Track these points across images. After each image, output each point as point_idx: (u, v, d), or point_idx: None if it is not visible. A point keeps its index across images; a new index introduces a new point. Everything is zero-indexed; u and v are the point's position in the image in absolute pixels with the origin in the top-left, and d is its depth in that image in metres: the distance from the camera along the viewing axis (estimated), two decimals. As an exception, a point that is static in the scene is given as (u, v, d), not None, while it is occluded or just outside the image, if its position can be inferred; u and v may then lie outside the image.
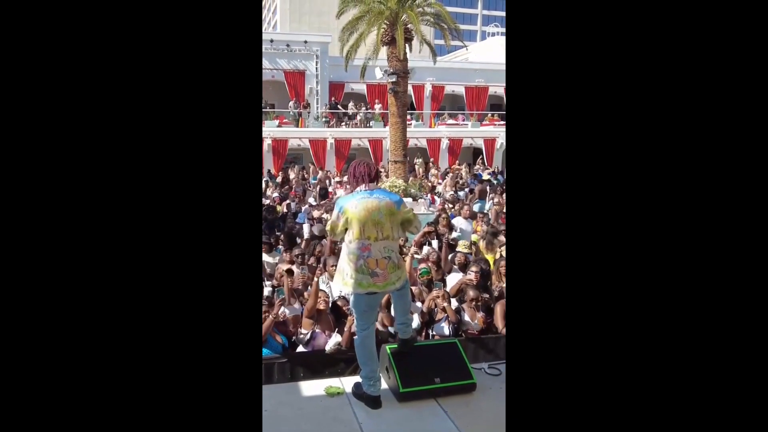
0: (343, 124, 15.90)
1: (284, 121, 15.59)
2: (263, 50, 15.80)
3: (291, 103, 15.61)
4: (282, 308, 3.41)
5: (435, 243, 5.14)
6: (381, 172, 12.26)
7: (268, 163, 14.40)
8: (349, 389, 2.58)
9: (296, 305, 3.79)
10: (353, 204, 2.39)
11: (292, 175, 13.10)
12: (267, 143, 14.43)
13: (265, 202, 9.03)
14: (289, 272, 3.74)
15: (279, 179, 11.81)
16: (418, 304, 3.61)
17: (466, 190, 10.21)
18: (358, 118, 15.97)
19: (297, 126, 15.38)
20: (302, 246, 5.03)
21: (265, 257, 5.19)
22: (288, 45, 16.15)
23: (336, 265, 3.93)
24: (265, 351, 3.41)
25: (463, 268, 4.33)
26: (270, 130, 14.67)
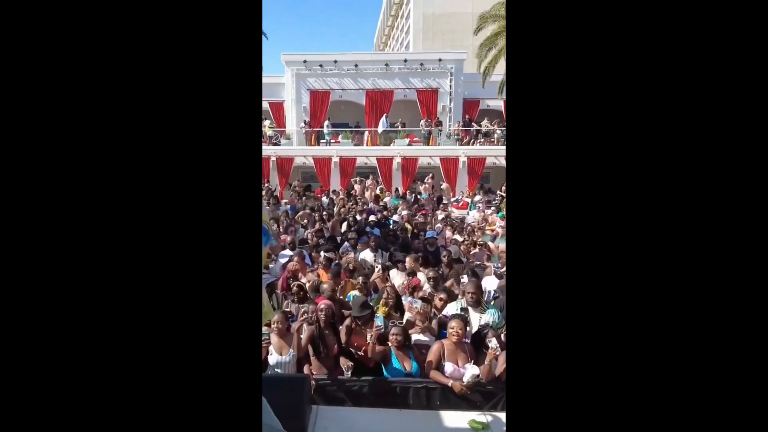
0: (477, 142, 15.75)
1: (414, 139, 15.98)
2: (397, 70, 16.52)
3: (422, 122, 15.96)
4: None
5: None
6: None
7: (397, 181, 14.84)
8: (494, 425, 2.45)
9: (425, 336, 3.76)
10: None
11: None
12: (396, 162, 14.91)
13: (395, 218, 9.26)
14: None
15: (405, 194, 12.03)
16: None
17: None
18: (496, 135, 15.66)
19: (427, 144, 15.65)
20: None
21: (395, 274, 5.27)
22: (422, 64, 16.63)
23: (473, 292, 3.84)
24: (386, 373, 3.45)
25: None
26: (400, 148, 15.14)
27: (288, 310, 4.12)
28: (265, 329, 3.74)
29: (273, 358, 3.51)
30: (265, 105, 17.50)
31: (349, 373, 3.43)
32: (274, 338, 3.56)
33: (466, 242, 7.19)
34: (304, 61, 16.74)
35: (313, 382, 3.12)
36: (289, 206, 11.17)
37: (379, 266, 5.34)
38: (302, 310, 3.88)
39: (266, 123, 17.18)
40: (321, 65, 16.71)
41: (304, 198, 11.74)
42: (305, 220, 8.74)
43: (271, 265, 5.74)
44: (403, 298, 4.37)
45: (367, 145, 16.31)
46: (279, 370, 3.48)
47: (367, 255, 6.07)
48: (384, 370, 3.51)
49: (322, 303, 3.74)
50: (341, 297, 4.44)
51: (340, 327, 3.73)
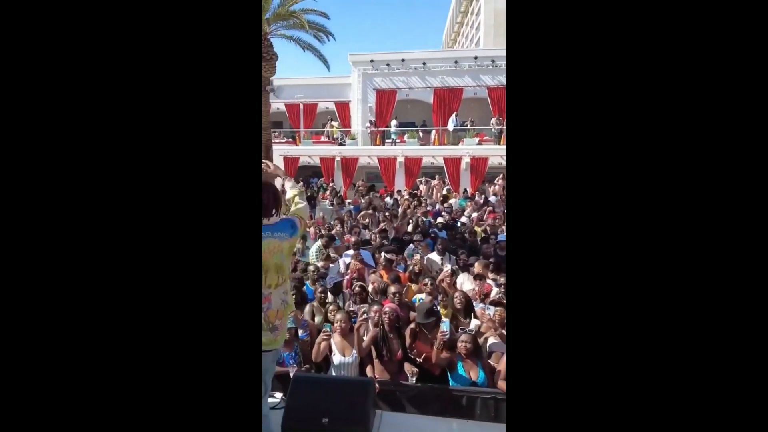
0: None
1: (485, 138, 15.65)
2: (467, 68, 16.26)
3: (493, 120, 15.60)
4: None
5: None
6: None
7: (465, 181, 14.59)
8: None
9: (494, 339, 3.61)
10: None
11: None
12: (465, 161, 14.66)
13: (463, 220, 9.09)
14: None
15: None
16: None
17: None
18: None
19: (498, 143, 15.27)
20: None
21: (464, 279, 5.13)
22: (493, 60, 16.27)
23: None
24: (451, 381, 3.36)
25: None
26: (469, 147, 14.88)
27: (352, 309, 4.13)
28: (326, 324, 3.78)
29: (336, 358, 3.51)
30: (331, 105, 17.88)
31: (414, 379, 3.36)
32: (336, 338, 3.56)
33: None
34: (371, 61, 16.93)
35: (376, 386, 3.07)
36: (352, 206, 11.30)
37: (448, 267, 5.22)
38: (362, 310, 3.87)
39: (334, 124, 17.55)
40: (388, 64, 16.82)
41: (366, 197, 11.82)
42: (367, 220, 8.78)
43: (331, 265, 5.80)
44: (474, 304, 4.24)
45: (434, 144, 16.20)
46: (342, 372, 3.47)
47: (434, 257, 5.97)
48: (449, 378, 3.41)
49: (387, 306, 3.70)
50: (407, 300, 4.38)
51: (405, 331, 3.67)
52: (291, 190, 2.45)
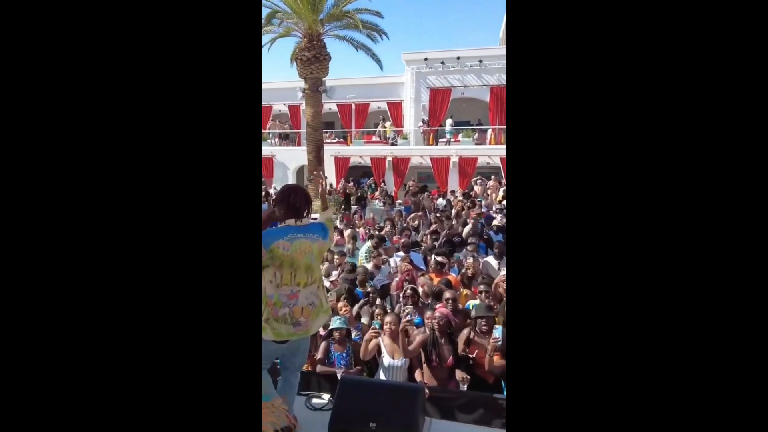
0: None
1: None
2: (501, 67, 15.88)
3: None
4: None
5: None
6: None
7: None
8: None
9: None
10: (284, 244, 2.20)
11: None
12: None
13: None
14: None
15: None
16: None
17: None
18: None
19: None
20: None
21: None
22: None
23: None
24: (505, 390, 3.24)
25: None
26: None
27: (404, 310, 4.10)
28: (375, 322, 3.78)
29: (386, 360, 3.50)
30: (383, 105, 17.96)
31: (465, 386, 3.28)
32: (386, 340, 3.55)
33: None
34: (425, 59, 16.86)
35: (426, 392, 3.03)
36: (403, 207, 11.28)
37: (504, 272, 5.09)
38: (405, 311, 3.84)
39: (387, 124, 17.61)
40: (443, 62, 16.70)
41: (414, 198, 11.75)
42: (416, 222, 8.73)
43: (382, 266, 5.80)
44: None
45: (489, 143, 15.91)
46: (391, 374, 3.45)
47: (491, 261, 5.85)
48: (504, 387, 3.31)
49: (438, 311, 3.65)
50: (461, 306, 4.31)
51: (458, 337, 3.60)
52: (326, 222, 2.54)
